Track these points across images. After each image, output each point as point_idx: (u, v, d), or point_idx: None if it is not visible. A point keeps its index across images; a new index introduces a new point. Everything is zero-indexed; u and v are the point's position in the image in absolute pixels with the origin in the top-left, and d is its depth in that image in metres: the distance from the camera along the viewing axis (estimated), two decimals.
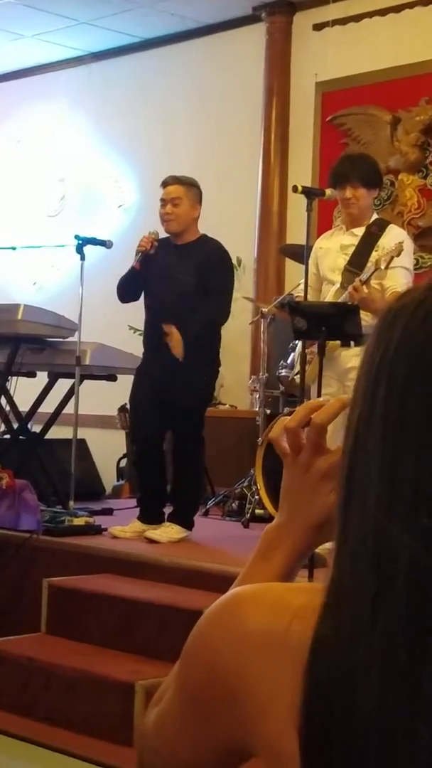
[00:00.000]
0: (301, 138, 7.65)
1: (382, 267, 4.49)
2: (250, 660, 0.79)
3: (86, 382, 5.91)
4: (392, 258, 4.46)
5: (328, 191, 4.98)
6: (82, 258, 5.81)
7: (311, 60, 7.56)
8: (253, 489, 5.81)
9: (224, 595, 0.84)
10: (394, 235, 4.70)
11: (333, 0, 7.38)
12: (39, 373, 6.22)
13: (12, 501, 5.06)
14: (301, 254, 5.57)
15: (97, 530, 5.31)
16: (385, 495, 0.76)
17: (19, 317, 5.70)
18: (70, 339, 5.90)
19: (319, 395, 4.42)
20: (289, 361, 5.70)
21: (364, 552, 0.76)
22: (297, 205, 7.01)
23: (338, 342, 4.59)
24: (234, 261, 7.78)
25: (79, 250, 5.82)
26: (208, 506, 6.28)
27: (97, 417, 7.31)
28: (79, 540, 5.07)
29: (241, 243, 7.73)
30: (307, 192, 4.88)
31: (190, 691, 0.84)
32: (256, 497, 5.73)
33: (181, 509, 5.27)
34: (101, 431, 7.46)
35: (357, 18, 7.31)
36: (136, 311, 5.59)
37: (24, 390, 6.10)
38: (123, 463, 7.56)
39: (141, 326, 5.62)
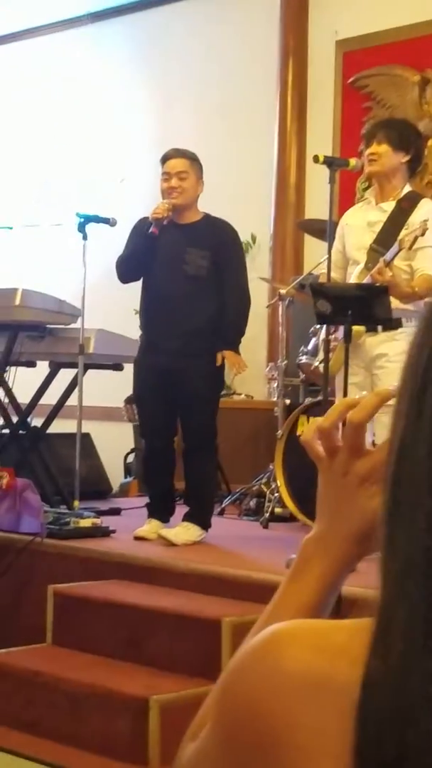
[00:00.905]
0: (320, 103, 7.64)
1: (406, 247, 4.48)
2: (292, 703, 0.79)
3: (90, 372, 5.93)
4: (416, 238, 4.46)
5: (352, 161, 4.98)
6: (85, 237, 5.80)
7: (331, 16, 7.55)
8: (273, 486, 5.82)
9: (263, 632, 0.84)
10: (424, 212, 4.68)
11: None
12: (39, 363, 6.23)
13: (13, 502, 5.09)
14: (321, 230, 5.56)
15: (105, 532, 5.33)
16: None
17: (17, 303, 5.71)
18: (72, 326, 5.91)
19: (345, 385, 4.43)
20: (309, 347, 5.71)
21: (414, 574, 0.76)
22: (316, 177, 7.00)
23: (362, 327, 4.60)
24: (248, 238, 7.84)
25: (81, 228, 5.82)
26: (223, 505, 6.30)
27: (102, 409, 7.34)
28: (86, 543, 5.09)
29: (255, 219, 7.74)
30: (330, 162, 4.86)
31: (226, 734, 0.84)
32: (276, 495, 5.75)
33: (198, 508, 5.29)
34: (107, 424, 7.49)
35: None
36: None
37: (23, 381, 6.11)
38: (131, 458, 7.58)
39: None
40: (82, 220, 5.84)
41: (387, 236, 4.69)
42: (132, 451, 7.66)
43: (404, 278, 4.55)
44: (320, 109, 7.64)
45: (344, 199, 6.98)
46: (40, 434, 6.10)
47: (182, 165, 5.28)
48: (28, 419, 6.14)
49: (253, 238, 7.85)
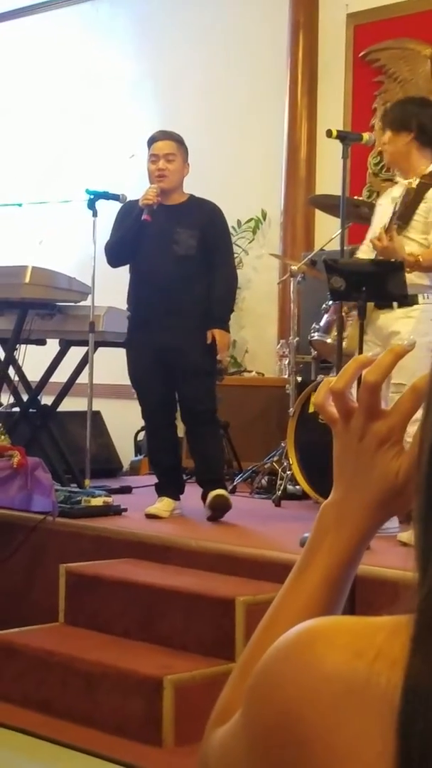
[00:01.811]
0: (331, 77, 7.56)
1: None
2: (328, 707, 0.74)
3: (100, 349, 5.90)
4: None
5: (366, 135, 4.92)
6: (95, 214, 5.78)
7: None
8: (285, 464, 5.80)
9: (296, 628, 0.79)
10: None
11: None
12: (49, 341, 6.21)
13: (24, 481, 5.05)
14: (332, 206, 5.51)
15: (117, 511, 5.31)
16: None
17: (27, 280, 5.68)
18: (82, 303, 5.88)
19: None
20: (321, 323, 5.66)
21: None
22: (327, 152, 6.93)
23: (373, 304, 4.56)
24: (258, 214, 7.78)
25: (91, 205, 5.79)
26: (235, 483, 6.28)
27: (112, 387, 7.29)
28: (97, 522, 5.07)
29: (266, 194, 7.69)
30: (343, 136, 4.80)
31: (256, 735, 0.80)
32: (288, 473, 5.72)
33: (218, 473, 5.42)
34: (117, 402, 7.45)
35: None
36: None
37: (33, 359, 6.08)
38: (141, 436, 7.55)
39: None
40: (92, 196, 5.81)
41: (406, 210, 4.64)
42: (143, 429, 7.62)
43: (399, 245, 4.47)
44: (331, 83, 7.56)
45: (355, 174, 6.92)
46: (50, 412, 6.08)
47: (169, 147, 5.36)
48: (39, 397, 6.12)
49: (264, 214, 7.79)
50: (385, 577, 3.79)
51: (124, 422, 7.50)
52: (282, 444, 5.91)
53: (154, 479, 5.60)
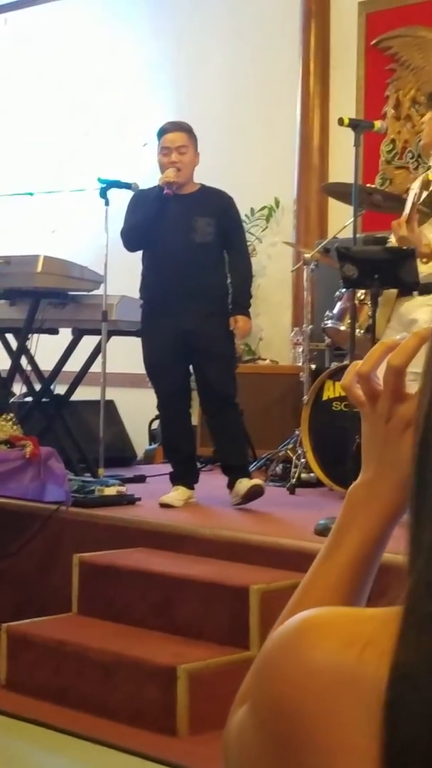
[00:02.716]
0: (344, 64, 7.50)
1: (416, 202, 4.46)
2: (317, 698, 0.74)
3: (113, 338, 5.87)
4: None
5: (377, 123, 4.90)
6: (107, 203, 5.76)
7: None
8: (299, 451, 5.77)
9: (292, 619, 0.80)
10: None
11: None
12: (62, 330, 6.18)
13: (37, 470, 5.02)
14: (345, 193, 5.46)
15: (131, 500, 5.28)
16: None
17: (39, 270, 5.65)
18: (95, 292, 5.85)
19: None
20: (335, 311, 5.61)
21: None
22: (340, 140, 6.89)
23: (394, 291, 4.51)
24: (272, 202, 7.73)
25: (103, 194, 5.77)
26: (249, 470, 6.23)
27: (125, 375, 7.26)
28: (111, 511, 5.04)
29: (279, 182, 7.64)
30: (355, 124, 4.78)
31: (261, 721, 0.81)
32: (303, 460, 5.69)
33: (244, 459, 5.44)
34: (131, 391, 7.41)
35: None
36: None
37: (46, 348, 6.05)
38: (155, 425, 7.52)
39: None
40: (104, 185, 5.78)
41: (429, 196, 4.58)
42: (156, 417, 7.59)
43: (416, 236, 4.41)
44: (343, 71, 7.50)
45: (368, 161, 6.87)
46: (63, 401, 6.05)
47: (181, 139, 5.32)
48: (51, 386, 6.09)
49: (277, 202, 7.74)
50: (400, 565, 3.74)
51: (138, 411, 7.48)
52: (296, 432, 5.88)
53: (168, 468, 5.56)
